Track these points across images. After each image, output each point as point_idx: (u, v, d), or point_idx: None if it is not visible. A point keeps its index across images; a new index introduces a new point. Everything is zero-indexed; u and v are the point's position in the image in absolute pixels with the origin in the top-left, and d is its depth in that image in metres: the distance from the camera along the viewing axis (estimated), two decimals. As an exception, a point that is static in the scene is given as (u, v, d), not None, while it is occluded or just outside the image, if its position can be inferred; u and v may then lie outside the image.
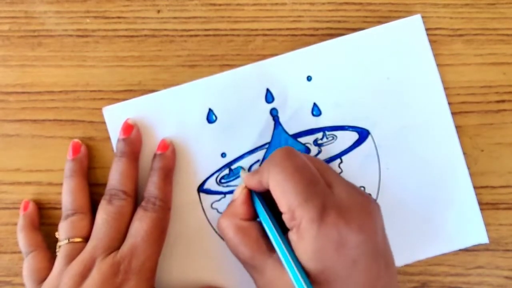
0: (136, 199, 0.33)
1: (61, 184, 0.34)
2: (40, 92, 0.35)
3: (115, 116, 0.35)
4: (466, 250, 0.35)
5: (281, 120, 0.35)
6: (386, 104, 0.35)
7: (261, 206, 0.30)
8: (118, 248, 0.31)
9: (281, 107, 0.35)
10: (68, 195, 0.33)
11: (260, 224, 0.30)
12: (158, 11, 0.36)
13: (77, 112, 0.35)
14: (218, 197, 0.35)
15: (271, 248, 0.29)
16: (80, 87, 0.35)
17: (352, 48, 0.35)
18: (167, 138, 0.34)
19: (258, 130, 0.35)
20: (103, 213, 0.31)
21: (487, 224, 0.35)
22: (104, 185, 0.33)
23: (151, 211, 0.31)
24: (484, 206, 0.35)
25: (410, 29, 0.35)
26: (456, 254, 0.35)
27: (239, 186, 0.32)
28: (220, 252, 0.34)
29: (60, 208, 0.34)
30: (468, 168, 0.35)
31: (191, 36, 0.36)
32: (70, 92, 0.35)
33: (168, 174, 0.33)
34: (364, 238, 0.27)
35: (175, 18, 0.36)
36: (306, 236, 0.27)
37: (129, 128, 0.34)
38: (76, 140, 0.35)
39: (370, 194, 0.33)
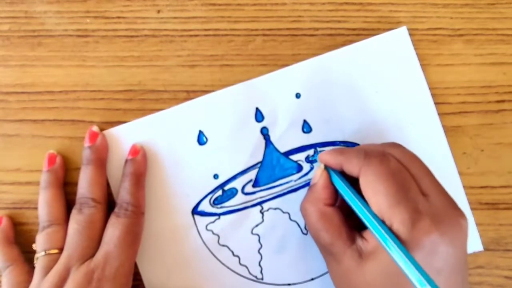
0: (107, 205, 0.33)
1: (61, 184, 0.34)
2: (40, 92, 0.35)
3: (109, 141, 0.34)
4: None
5: (272, 138, 0.35)
6: (376, 118, 0.35)
7: (346, 187, 0.29)
8: (92, 255, 0.31)
9: (272, 125, 0.35)
10: (43, 207, 0.33)
11: (341, 211, 0.30)
12: (158, 11, 0.36)
13: (77, 112, 0.35)
14: (212, 218, 0.34)
15: (351, 237, 0.29)
16: (80, 87, 0.35)
17: (339, 64, 0.35)
18: (137, 143, 0.34)
19: (250, 150, 0.35)
20: (74, 222, 0.32)
21: (487, 224, 0.35)
22: (104, 185, 0.34)
23: (124, 217, 0.31)
24: (484, 206, 0.35)
25: (397, 42, 0.35)
26: (456, 254, 0.35)
27: (318, 168, 0.31)
28: (217, 274, 0.34)
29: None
30: (467, 168, 0.35)
31: (191, 36, 0.36)
32: (70, 92, 0.35)
33: (139, 178, 0.33)
34: (453, 251, 0.26)
35: (175, 18, 0.36)
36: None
37: (94, 135, 0.34)
38: (51, 151, 0.34)
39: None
